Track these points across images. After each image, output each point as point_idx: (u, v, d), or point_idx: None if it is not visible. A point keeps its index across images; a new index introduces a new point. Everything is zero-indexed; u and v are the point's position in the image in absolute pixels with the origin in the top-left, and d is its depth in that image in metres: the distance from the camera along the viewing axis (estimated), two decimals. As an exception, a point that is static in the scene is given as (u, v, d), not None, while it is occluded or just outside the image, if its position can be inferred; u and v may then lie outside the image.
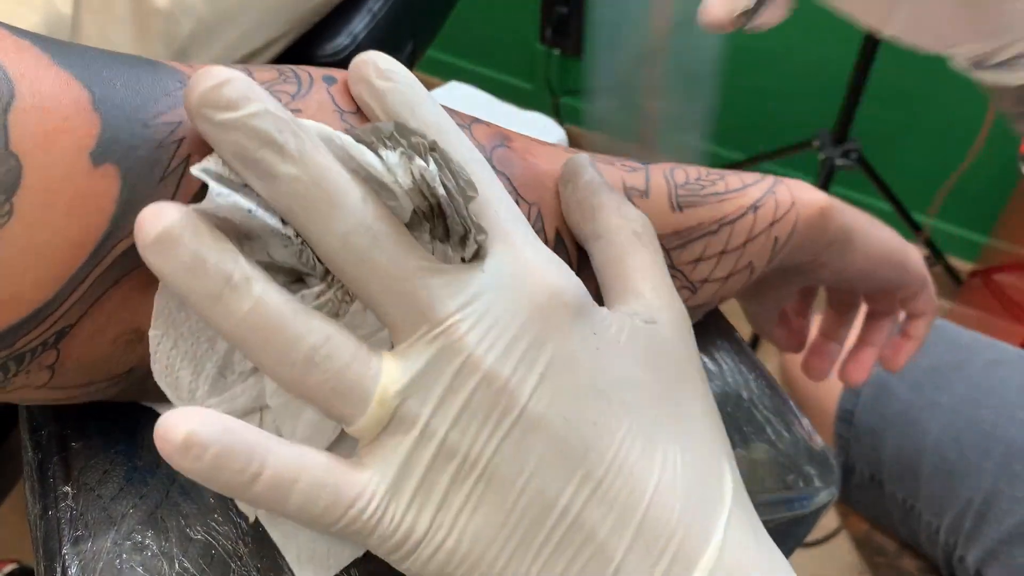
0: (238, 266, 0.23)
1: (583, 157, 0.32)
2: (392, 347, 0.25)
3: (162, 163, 0.25)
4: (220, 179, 0.23)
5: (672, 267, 0.34)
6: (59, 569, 0.27)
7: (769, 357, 1.30)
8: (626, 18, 1.17)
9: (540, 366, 0.25)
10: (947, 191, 1.23)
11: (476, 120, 0.32)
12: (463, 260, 0.25)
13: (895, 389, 0.67)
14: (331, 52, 0.73)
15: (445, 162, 0.24)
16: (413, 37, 0.84)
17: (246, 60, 0.65)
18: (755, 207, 0.36)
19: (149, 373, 0.28)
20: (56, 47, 0.24)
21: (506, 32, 1.59)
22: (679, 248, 0.34)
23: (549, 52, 1.53)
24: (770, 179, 0.37)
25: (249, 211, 0.23)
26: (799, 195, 0.37)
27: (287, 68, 0.29)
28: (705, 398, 0.29)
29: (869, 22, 0.38)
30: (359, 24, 0.75)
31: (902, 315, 0.50)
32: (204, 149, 0.25)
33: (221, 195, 0.23)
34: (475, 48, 1.64)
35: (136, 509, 0.28)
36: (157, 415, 0.31)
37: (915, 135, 1.34)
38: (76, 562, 0.27)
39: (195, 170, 0.23)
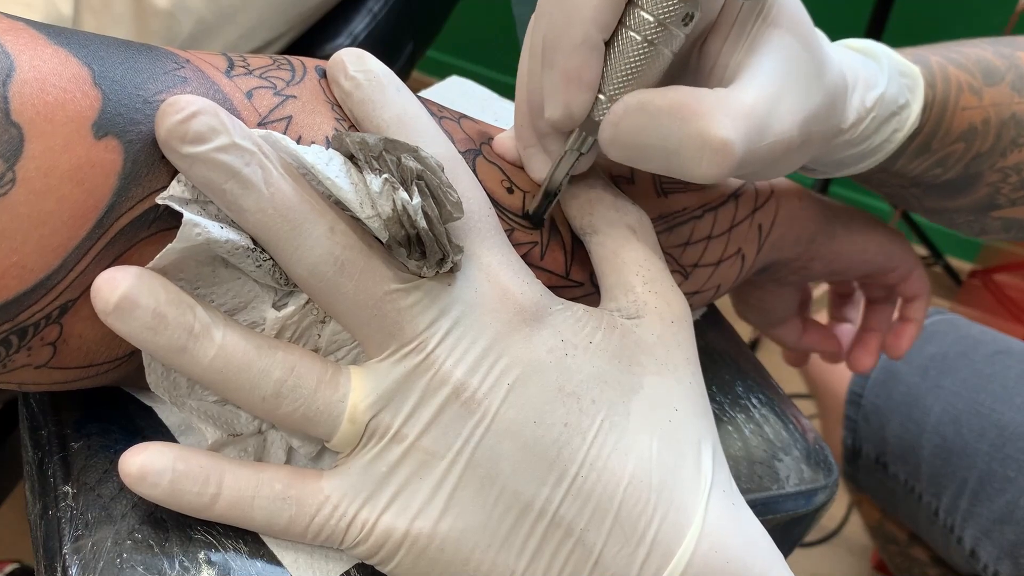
0: (197, 317, 0.24)
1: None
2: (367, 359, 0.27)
3: None
4: (187, 203, 0.24)
5: (662, 250, 0.35)
6: (59, 568, 0.27)
7: (770, 354, 1.30)
8: None
9: (508, 376, 0.26)
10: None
11: (464, 116, 0.33)
12: (437, 273, 0.26)
13: (902, 373, 0.68)
14: (331, 52, 0.73)
15: (431, 189, 0.24)
16: (413, 37, 0.84)
17: (246, 60, 0.65)
18: (736, 195, 0.37)
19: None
20: (51, 29, 0.25)
21: (506, 32, 1.59)
22: (666, 231, 0.35)
23: (549, 52, 1.53)
24: None
25: (224, 239, 0.24)
26: (778, 186, 0.39)
27: (280, 56, 0.30)
28: (689, 386, 0.29)
29: None
30: (359, 24, 0.75)
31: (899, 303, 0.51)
32: None
33: (197, 225, 0.24)
34: (475, 48, 1.64)
35: (136, 508, 0.28)
36: (156, 416, 0.31)
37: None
38: (76, 561, 0.27)
39: (161, 200, 0.24)
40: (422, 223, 0.24)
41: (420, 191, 0.24)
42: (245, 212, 0.24)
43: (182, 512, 0.25)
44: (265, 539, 0.28)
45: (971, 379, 0.65)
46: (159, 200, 0.24)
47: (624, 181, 0.34)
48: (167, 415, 0.31)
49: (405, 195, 0.24)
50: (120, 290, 0.23)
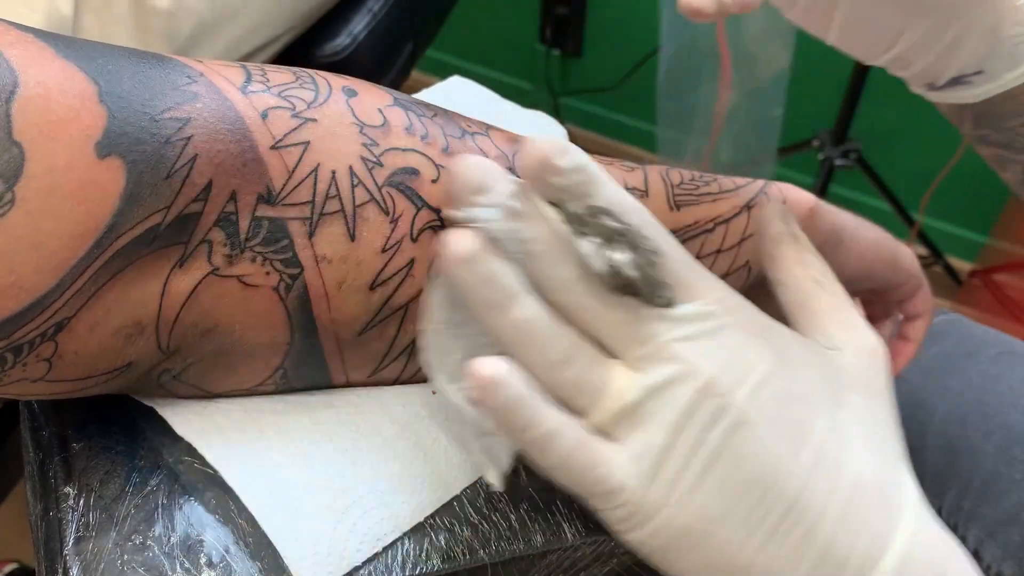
0: (515, 284, 0.26)
1: (774, 209, 0.34)
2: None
3: (168, 160, 0.24)
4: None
5: None
6: (60, 569, 0.27)
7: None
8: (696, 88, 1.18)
9: (753, 375, 0.27)
10: (936, 187, 1.23)
11: (490, 127, 0.33)
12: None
13: (906, 373, 0.68)
14: (331, 52, 0.73)
15: (632, 245, 0.27)
16: (413, 37, 0.84)
17: (246, 59, 0.65)
18: (748, 206, 0.37)
19: (148, 368, 0.28)
20: (59, 41, 0.24)
21: (506, 32, 1.59)
22: None
23: (549, 52, 1.53)
24: (760, 181, 0.38)
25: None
26: (789, 195, 0.38)
27: (305, 73, 0.29)
28: (889, 410, 0.31)
29: (813, 31, 0.41)
30: (359, 24, 0.75)
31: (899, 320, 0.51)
32: (212, 149, 0.25)
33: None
34: (475, 48, 1.64)
35: (138, 509, 0.28)
36: (158, 416, 0.31)
37: (914, 136, 1.34)
38: (77, 562, 0.27)
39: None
40: (633, 273, 0.27)
41: (626, 247, 0.27)
42: (526, 243, 0.26)
43: (499, 426, 0.27)
44: (270, 534, 0.28)
45: (977, 380, 0.65)
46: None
47: (638, 194, 0.34)
48: (170, 415, 0.30)
49: (613, 254, 0.27)
50: (470, 246, 0.25)
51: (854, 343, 0.32)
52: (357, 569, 0.28)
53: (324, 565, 0.28)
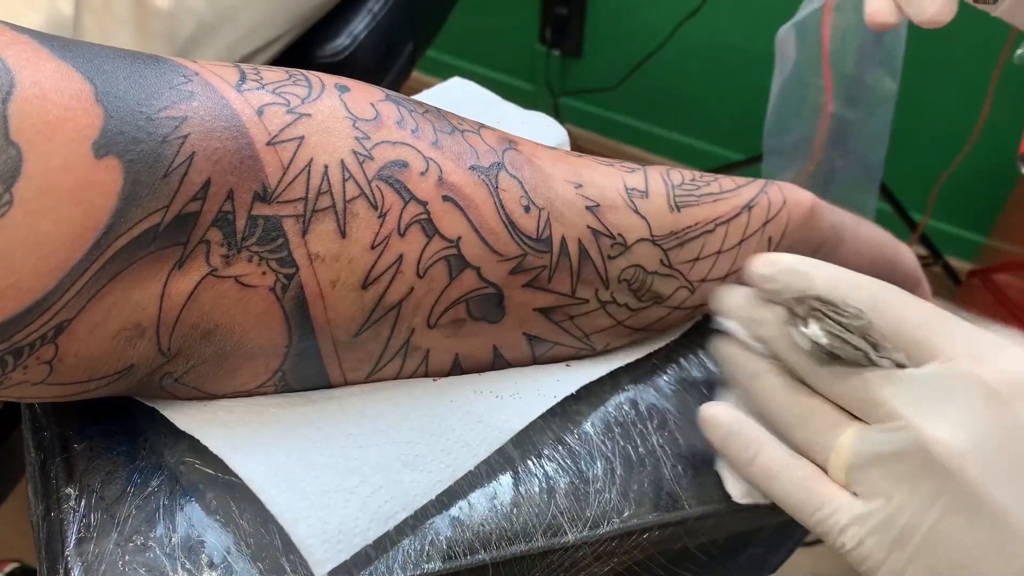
0: (755, 364, 0.32)
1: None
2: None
3: (165, 159, 0.24)
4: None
5: (670, 267, 0.35)
6: (62, 570, 0.27)
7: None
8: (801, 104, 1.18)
9: (990, 442, 0.26)
10: (938, 189, 1.23)
11: (483, 125, 0.32)
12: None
13: None
14: (331, 52, 0.73)
15: (831, 316, 0.29)
16: (413, 37, 0.84)
17: (246, 60, 0.65)
18: (749, 206, 0.36)
19: (149, 371, 0.28)
20: (55, 41, 0.24)
21: (506, 32, 1.58)
22: (677, 247, 0.35)
23: (549, 52, 1.53)
24: (761, 181, 0.38)
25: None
26: (789, 195, 0.38)
27: (297, 71, 0.29)
28: None
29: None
30: (359, 24, 0.75)
31: None
32: (209, 147, 0.25)
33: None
34: (475, 48, 1.64)
35: (139, 511, 0.28)
36: (160, 417, 0.31)
37: (913, 136, 1.34)
38: (79, 563, 0.27)
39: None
40: (833, 343, 0.29)
41: (816, 318, 0.30)
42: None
43: (728, 459, 0.33)
44: (277, 515, 0.27)
45: None
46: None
47: (638, 195, 0.34)
48: (172, 412, 0.30)
49: (809, 329, 0.29)
50: (727, 344, 0.33)
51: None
52: (366, 562, 0.28)
53: (334, 543, 0.28)
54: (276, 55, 0.69)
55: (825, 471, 0.30)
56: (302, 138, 0.27)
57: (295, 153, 0.26)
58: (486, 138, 0.31)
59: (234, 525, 0.28)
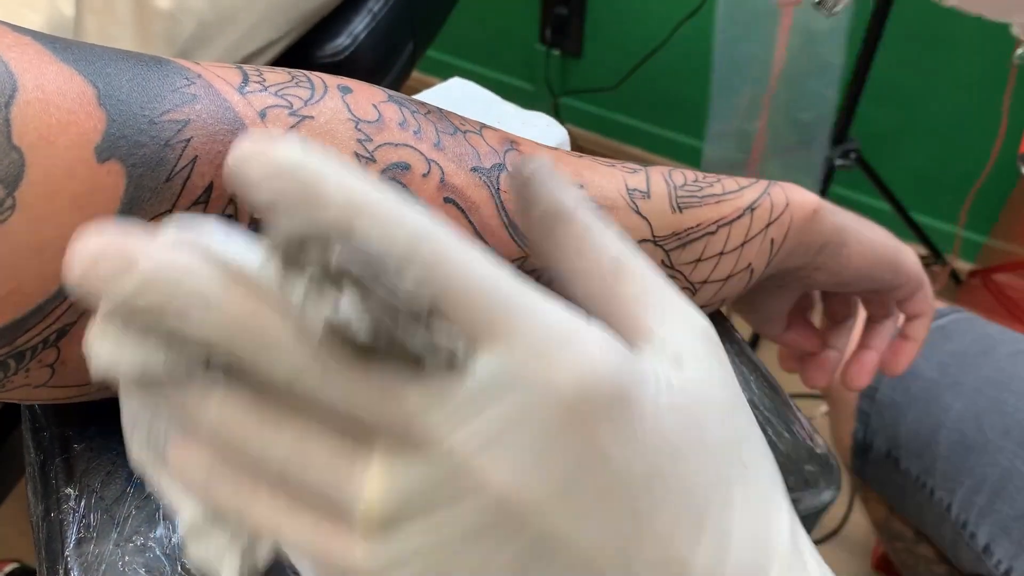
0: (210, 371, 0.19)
1: (535, 170, 0.23)
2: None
3: (168, 163, 0.24)
4: None
5: (672, 268, 0.35)
6: (61, 570, 0.27)
7: (770, 354, 1.30)
8: (748, 62, 1.19)
9: (557, 476, 0.19)
10: (935, 187, 1.23)
11: (485, 125, 0.32)
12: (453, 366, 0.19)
13: (921, 369, 0.68)
14: (331, 52, 0.73)
15: (366, 287, 0.17)
16: (413, 37, 0.84)
17: (247, 60, 0.65)
18: (751, 208, 0.36)
19: None
20: (57, 43, 0.24)
21: (506, 32, 1.59)
22: (679, 248, 0.35)
23: (549, 52, 1.53)
24: (764, 182, 0.37)
25: None
26: (793, 196, 0.37)
27: (300, 73, 0.29)
28: (752, 440, 0.24)
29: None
30: (359, 24, 0.75)
31: (901, 319, 0.51)
32: (212, 150, 0.25)
33: None
34: (475, 48, 1.64)
35: (139, 511, 0.28)
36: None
37: (914, 135, 1.34)
38: (78, 564, 0.27)
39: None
40: (359, 332, 0.18)
41: (355, 291, 0.18)
42: (203, 337, 0.18)
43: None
44: None
45: (994, 377, 0.65)
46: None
47: (640, 196, 0.34)
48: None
49: (333, 307, 0.17)
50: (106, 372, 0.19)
51: (683, 333, 0.23)
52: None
53: None
54: (277, 55, 0.69)
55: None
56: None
57: None
58: (488, 139, 0.31)
59: (234, 525, 0.28)
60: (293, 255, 0.18)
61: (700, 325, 0.24)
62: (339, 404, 0.19)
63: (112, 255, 0.17)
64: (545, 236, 0.23)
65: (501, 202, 0.30)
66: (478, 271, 0.19)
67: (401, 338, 0.18)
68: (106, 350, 0.18)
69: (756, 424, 0.25)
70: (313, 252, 0.18)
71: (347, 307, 0.17)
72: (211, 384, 0.19)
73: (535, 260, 0.28)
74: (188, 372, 0.19)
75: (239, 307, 0.18)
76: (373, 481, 0.19)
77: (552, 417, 0.19)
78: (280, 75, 0.28)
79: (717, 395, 0.23)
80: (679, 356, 0.23)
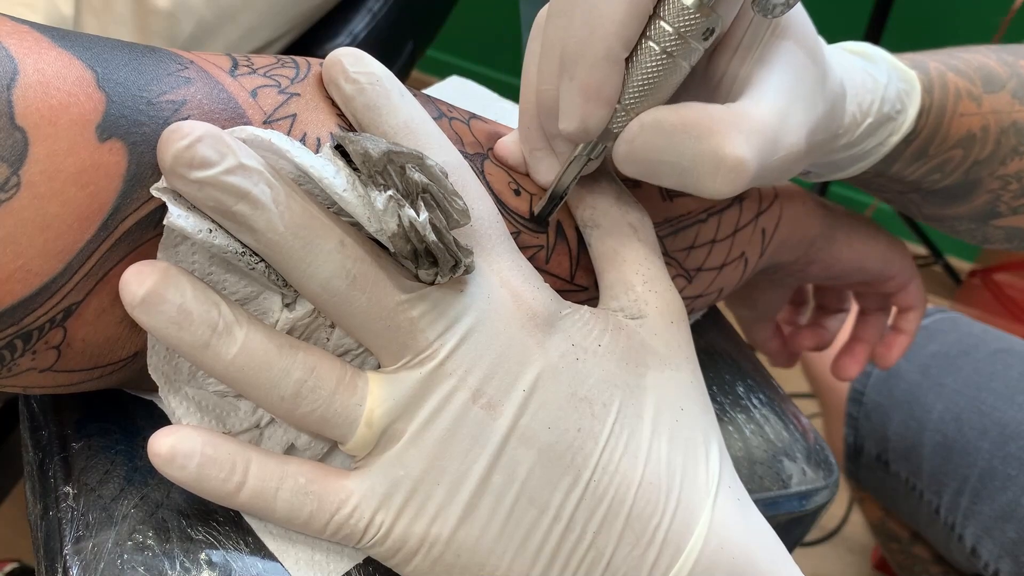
0: (222, 314, 0.24)
1: None
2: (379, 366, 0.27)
3: None
4: (178, 199, 0.24)
5: (666, 254, 0.35)
6: (60, 569, 0.27)
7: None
8: None
9: (523, 382, 0.26)
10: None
11: (474, 116, 0.33)
12: (450, 279, 0.26)
13: (904, 371, 0.69)
14: (331, 52, 0.73)
15: (436, 199, 0.24)
16: (413, 37, 0.84)
17: (246, 60, 0.65)
18: (740, 198, 0.37)
19: None
20: (55, 31, 0.25)
21: (505, 32, 1.59)
22: (671, 235, 0.35)
23: (549, 52, 1.53)
24: None
25: (210, 231, 0.24)
26: (782, 189, 0.39)
27: (286, 56, 0.30)
28: (692, 385, 0.30)
29: None
30: (359, 24, 0.75)
31: (893, 313, 0.51)
32: None
33: (180, 216, 0.24)
34: (475, 48, 1.64)
35: (137, 509, 0.28)
36: (158, 414, 0.31)
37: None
38: (77, 562, 0.27)
39: (154, 190, 0.24)
40: (431, 236, 0.24)
41: (426, 204, 0.24)
42: (256, 232, 0.24)
43: (206, 498, 0.25)
44: (265, 539, 0.28)
45: (973, 377, 0.65)
46: (152, 190, 0.24)
47: (629, 183, 0.34)
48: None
49: (411, 212, 0.24)
50: (147, 285, 0.23)
51: (658, 307, 0.30)
52: (358, 569, 0.28)
53: (322, 565, 0.28)
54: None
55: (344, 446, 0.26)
56: (295, 116, 0.27)
57: (289, 130, 0.27)
58: (475, 131, 0.32)
59: (233, 524, 0.28)
60: (374, 174, 0.23)
61: (674, 305, 0.30)
62: (361, 309, 0.25)
63: (212, 141, 0.23)
64: (582, 196, 0.31)
65: (487, 183, 0.31)
66: (482, 201, 0.28)
67: (444, 242, 0.24)
68: (177, 212, 0.23)
69: (705, 393, 0.30)
70: (392, 173, 0.23)
71: (414, 216, 0.23)
72: (239, 318, 0.24)
73: (573, 210, 0.32)
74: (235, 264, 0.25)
75: (300, 211, 0.24)
76: (373, 385, 0.25)
77: (515, 325, 0.27)
78: (266, 59, 0.29)
79: (664, 341, 0.30)
80: (640, 311, 0.30)
